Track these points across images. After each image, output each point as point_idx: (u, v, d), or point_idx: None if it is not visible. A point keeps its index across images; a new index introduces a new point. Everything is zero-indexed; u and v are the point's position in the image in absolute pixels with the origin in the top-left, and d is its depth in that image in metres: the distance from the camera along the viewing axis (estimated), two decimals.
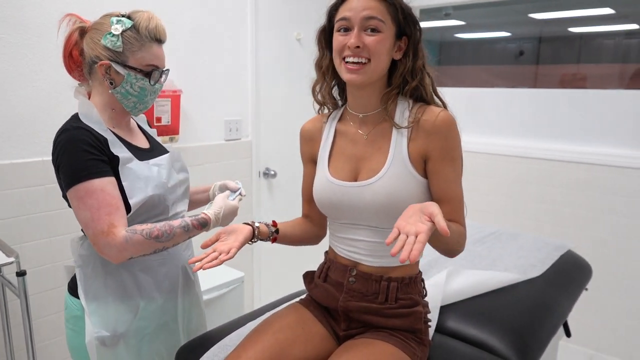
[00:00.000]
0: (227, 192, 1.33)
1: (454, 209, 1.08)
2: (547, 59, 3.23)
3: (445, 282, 1.44)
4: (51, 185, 1.92)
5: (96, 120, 1.17)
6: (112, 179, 1.13)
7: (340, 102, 1.24)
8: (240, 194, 1.35)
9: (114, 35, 1.13)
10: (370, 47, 1.03)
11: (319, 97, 1.21)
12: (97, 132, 1.14)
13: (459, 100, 2.94)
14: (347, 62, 1.05)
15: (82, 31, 1.20)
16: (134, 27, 1.15)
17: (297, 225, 1.31)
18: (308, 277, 1.27)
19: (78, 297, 1.22)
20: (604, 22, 2.95)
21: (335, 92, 1.24)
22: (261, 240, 1.20)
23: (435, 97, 1.14)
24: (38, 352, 1.95)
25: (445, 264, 1.67)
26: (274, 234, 1.22)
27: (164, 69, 1.24)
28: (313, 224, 1.31)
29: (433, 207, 0.87)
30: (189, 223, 1.17)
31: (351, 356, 1.03)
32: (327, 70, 1.16)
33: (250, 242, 1.16)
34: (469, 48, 3.37)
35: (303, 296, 1.30)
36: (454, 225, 1.05)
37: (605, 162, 2.50)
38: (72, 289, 1.26)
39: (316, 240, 1.34)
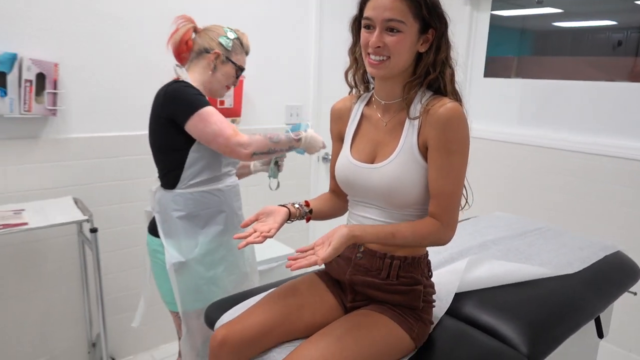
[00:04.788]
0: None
1: (438, 203, 1.11)
2: None
3: (467, 270, 1.46)
4: (125, 157, 2.19)
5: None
6: None
7: (372, 86, 1.30)
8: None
9: (228, 38, 1.60)
10: (390, 46, 1.08)
11: (350, 81, 1.29)
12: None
13: (548, 93, 2.84)
14: (370, 57, 1.12)
15: (195, 29, 1.61)
16: (238, 39, 1.63)
17: (326, 201, 1.38)
18: None
19: (156, 236, 1.60)
20: None
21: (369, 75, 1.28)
22: (297, 219, 1.28)
23: (453, 90, 1.16)
24: (109, 304, 2.24)
25: (477, 254, 1.68)
26: (308, 214, 1.30)
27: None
28: (339, 198, 1.38)
29: (333, 237, 1.02)
30: (290, 134, 1.62)
31: (347, 321, 1.12)
32: (359, 57, 1.22)
33: (288, 222, 1.25)
34: (568, 37, 3.12)
35: (322, 267, 1.39)
36: (413, 228, 1.10)
37: None
38: (151, 229, 1.65)
39: (343, 212, 1.39)
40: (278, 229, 1.16)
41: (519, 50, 3.35)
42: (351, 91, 1.31)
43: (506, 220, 2.09)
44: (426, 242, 1.12)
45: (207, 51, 1.59)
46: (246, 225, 1.18)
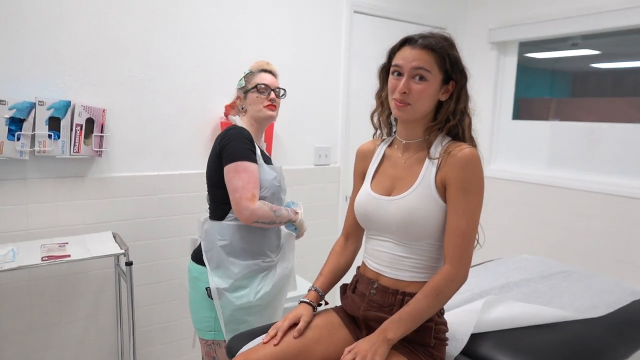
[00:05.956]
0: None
1: (450, 240, 1.17)
2: None
3: (484, 310, 1.46)
4: (163, 195, 2.33)
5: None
6: (257, 167, 1.65)
7: (394, 129, 1.40)
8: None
9: (241, 78, 1.78)
10: (415, 94, 1.20)
11: (376, 122, 1.40)
12: (252, 138, 1.69)
13: (580, 134, 2.85)
14: (396, 101, 1.23)
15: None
16: (250, 70, 1.78)
17: (337, 268, 1.43)
18: (342, 289, 1.42)
19: (197, 263, 1.71)
20: None
21: (392, 117, 1.39)
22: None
23: (470, 137, 1.26)
24: (141, 336, 2.33)
25: (497, 295, 1.68)
26: (323, 299, 1.40)
27: (276, 88, 1.77)
28: (350, 243, 1.44)
29: (376, 353, 1.10)
30: (290, 209, 1.75)
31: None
32: (385, 101, 1.34)
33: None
34: (608, 79, 3.09)
35: (339, 305, 1.44)
36: (424, 289, 1.17)
37: None
38: (194, 257, 1.75)
39: (354, 257, 1.46)
40: (307, 322, 1.29)
41: (555, 92, 3.36)
42: (375, 132, 1.41)
43: (532, 263, 2.08)
44: (445, 289, 1.16)
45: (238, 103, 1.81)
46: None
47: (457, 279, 1.17)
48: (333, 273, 1.42)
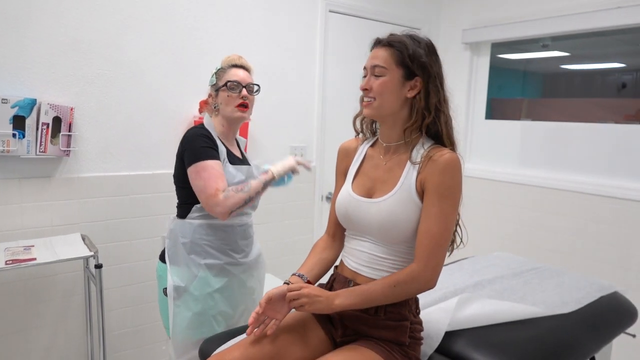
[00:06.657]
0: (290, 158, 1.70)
1: (420, 242, 1.17)
2: None
3: (457, 308, 1.47)
4: (135, 195, 2.28)
5: (212, 130, 1.69)
6: (219, 162, 1.61)
7: (378, 132, 1.40)
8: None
9: (212, 75, 1.73)
10: (374, 88, 1.23)
11: (357, 126, 1.41)
12: (212, 135, 1.66)
13: (550, 134, 2.90)
14: (363, 99, 1.27)
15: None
16: (221, 66, 1.72)
17: (319, 261, 1.38)
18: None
19: (163, 262, 1.69)
20: None
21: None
22: None
23: (449, 134, 1.25)
24: (112, 341, 2.27)
25: (471, 293, 1.70)
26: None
27: (248, 84, 1.70)
28: (334, 241, 1.41)
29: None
30: (260, 176, 1.62)
31: (335, 356, 1.15)
32: None
33: None
34: (577, 80, 3.17)
35: None
36: (384, 278, 1.19)
37: None
38: (161, 255, 1.73)
39: (338, 256, 1.43)
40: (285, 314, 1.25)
41: (526, 92, 3.42)
42: (357, 136, 1.42)
43: (505, 260, 2.11)
44: (404, 284, 1.16)
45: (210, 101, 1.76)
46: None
47: (419, 279, 1.16)
48: (316, 264, 1.36)
